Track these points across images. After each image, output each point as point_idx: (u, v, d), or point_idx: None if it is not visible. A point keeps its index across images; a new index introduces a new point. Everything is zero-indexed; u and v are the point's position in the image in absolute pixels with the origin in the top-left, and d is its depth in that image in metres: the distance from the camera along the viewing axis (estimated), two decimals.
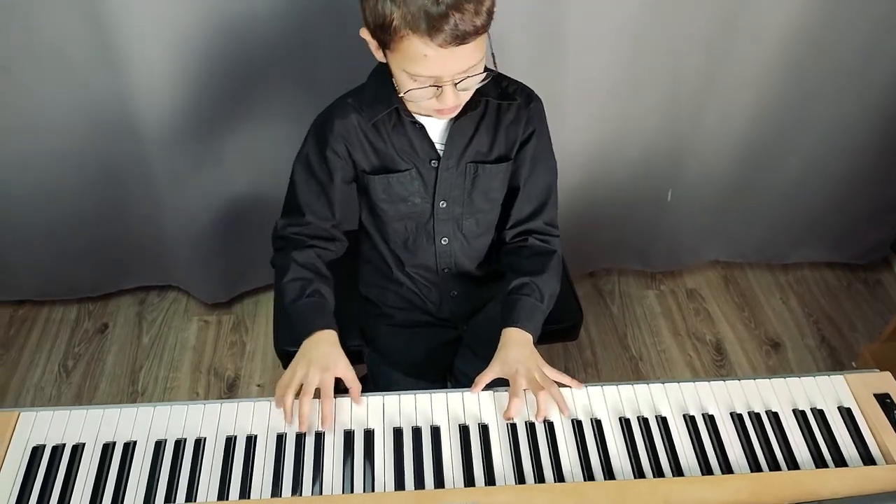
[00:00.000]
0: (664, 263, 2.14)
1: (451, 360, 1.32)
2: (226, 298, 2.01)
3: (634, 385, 1.11)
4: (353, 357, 1.14)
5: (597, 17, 1.46)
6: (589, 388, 1.11)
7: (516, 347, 1.13)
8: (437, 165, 1.15)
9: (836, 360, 2.03)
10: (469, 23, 0.92)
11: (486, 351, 1.18)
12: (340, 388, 1.08)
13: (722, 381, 1.13)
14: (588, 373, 1.96)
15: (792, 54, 1.59)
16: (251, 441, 1.01)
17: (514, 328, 1.15)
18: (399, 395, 1.08)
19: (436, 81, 0.98)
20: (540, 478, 0.99)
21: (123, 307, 2.04)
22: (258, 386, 1.88)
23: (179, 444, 1.00)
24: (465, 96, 1.04)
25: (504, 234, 1.25)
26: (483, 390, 1.09)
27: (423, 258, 1.25)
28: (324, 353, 1.08)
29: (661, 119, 1.70)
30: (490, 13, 0.96)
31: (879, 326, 2.07)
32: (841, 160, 1.87)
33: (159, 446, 1.00)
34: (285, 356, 1.36)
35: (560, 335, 1.45)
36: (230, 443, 1.01)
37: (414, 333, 1.31)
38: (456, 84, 0.99)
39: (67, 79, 1.46)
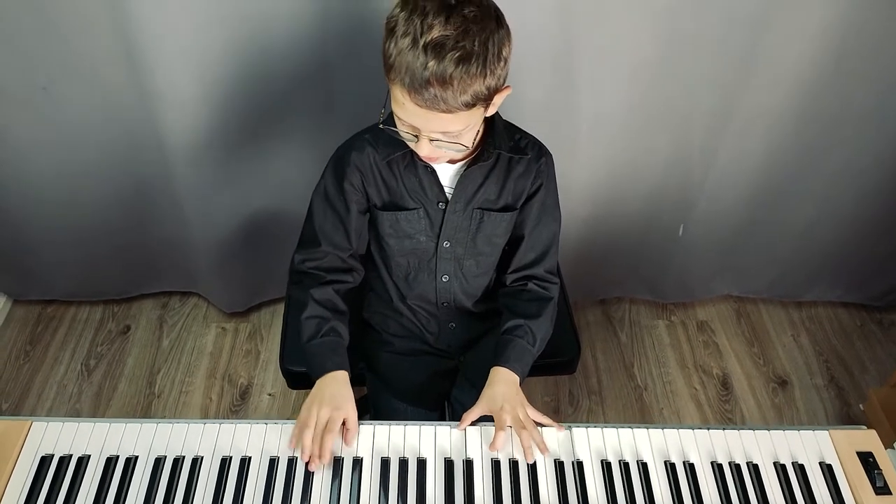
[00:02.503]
0: (675, 295, 2.15)
1: (449, 388, 1.37)
2: (243, 307, 2.08)
3: (619, 428, 1.14)
4: (355, 379, 1.19)
5: (611, 57, 1.49)
6: (574, 428, 1.14)
7: (503, 385, 1.17)
8: (444, 207, 1.19)
9: (843, 402, 2.02)
10: (452, 99, 0.93)
11: (481, 382, 1.23)
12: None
13: (706, 430, 1.15)
14: (592, 399, 1.99)
15: (806, 97, 1.59)
16: (245, 463, 1.07)
17: (504, 367, 1.19)
18: (389, 425, 1.13)
19: (413, 130, 1.02)
20: None
21: (146, 310, 2.12)
22: (269, 395, 1.94)
23: (178, 463, 1.06)
24: (444, 154, 1.07)
25: (504, 278, 1.29)
26: (470, 425, 1.13)
27: (424, 292, 1.30)
28: (336, 394, 1.12)
29: (673, 156, 1.72)
30: (482, 97, 0.95)
31: (891, 369, 2.05)
32: (855, 203, 1.86)
33: (158, 463, 1.06)
34: (290, 376, 1.42)
35: (558, 368, 1.49)
36: (225, 464, 1.06)
37: (413, 361, 1.36)
38: (431, 141, 1.02)
39: (101, 98, 1.54)
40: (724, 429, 1.16)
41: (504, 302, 1.29)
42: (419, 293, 1.30)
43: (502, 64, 0.96)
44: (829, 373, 2.09)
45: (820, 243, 2.00)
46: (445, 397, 1.37)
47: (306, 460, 1.06)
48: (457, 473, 1.07)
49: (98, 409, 1.88)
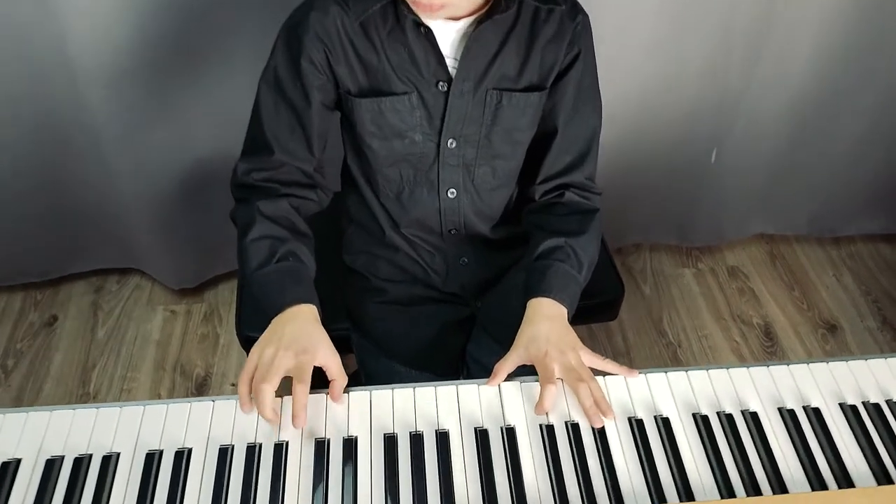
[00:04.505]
0: (704, 237, 1.87)
1: (463, 344, 1.04)
2: (195, 283, 1.74)
3: (709, 370, 0.83)
4: (339, 344, 0.85)
5: None
6: (649, 374, 0.83)
7: (546, 323, 0.85)
8: (446, 89, 0.87)
9: None
10: None
11: (505, 333, 0.92)
12: (321, 382, 0.81)
13: (823, 364, 0.85)
14: (620, 362, 1.67)
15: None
16: (182, 456, 0.73)
17: (546, 298, 0.86)
18: (392, 389, 0.80)
19: None
20: (590, 500, 0.71)
21: (76, 296, 1.76)
22: (233, 385, 1.60)
23: (108, 460, 0.72)
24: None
25: (532, 190, 0.97)
26: (506, 380, 0.81)
27: (424, 215, 0.97)
28: (300, 333, 0.81)
29: (709, 69, 1.45)
30: None
31: None
32: None
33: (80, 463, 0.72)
34: (252, 345, 1.08)
35: (596, 313, 1.17)
36: (152, 459, 0.73)
37: (414, 313, 1.03)
38: None
39: None
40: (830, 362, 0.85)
41: (533, 221, 0.97)
42: (417, 218, 0.97)
43: None
44: (880, 314, 1.84)
45: (865, 168, 1.76)
46: (459, 357, 1.04)
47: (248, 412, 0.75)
48: (494, 448, 0.75)
49: None
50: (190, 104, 1.38)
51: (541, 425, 0.77)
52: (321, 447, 0.74)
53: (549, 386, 0.77)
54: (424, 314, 1.03)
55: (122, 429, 0.75)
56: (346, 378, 0.81)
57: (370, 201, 0.97)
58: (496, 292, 1.04)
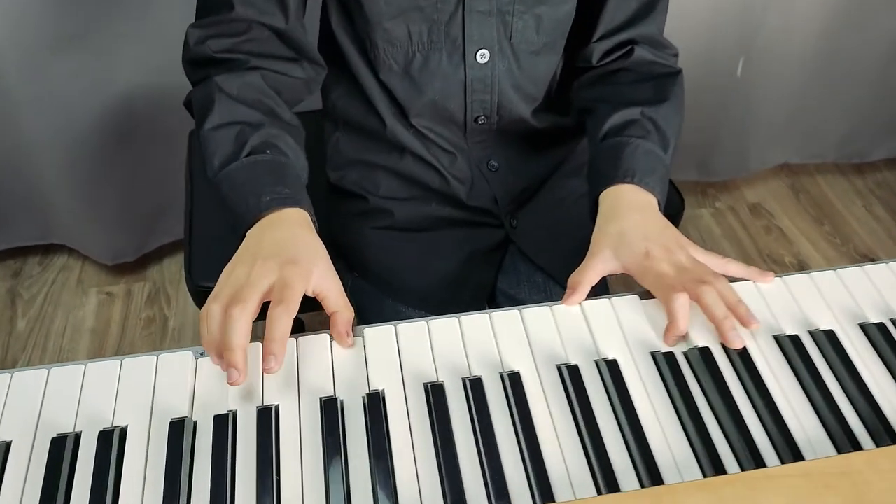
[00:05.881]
0: (726, 171, 1.67)
1: (494, 278, 0.78)
2: (134, 257, 1.45)
3: (866, 265, 0.59)
4: None
5: None
6: (786, 277, 0.59)
7: (635, 214, 0.60)
8: None
9: None
10: None
11: (550, 259, 0.73)
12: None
13: None
14: None
15: None
16: (117, 435, 0.46)
17: (626, 184, 0.62)
18: (426, 321, 0.55)
19: None
20: (752, 453, 0.47)
21: None
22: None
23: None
24: None
25: (587, 52, 0.71)
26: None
27: (443, 95, 0.70)
28: (286, 240, 0.55)
29: None
30: None
31: None
32: None
33: None
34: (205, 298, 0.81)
35: None
36: (59, 444, 0.46)
37: (428, 240, 0.77)
38: None
39: None
40: None
41: (591, 95, 0.72)
42: (433, 100, 0.70)
43: None
44: None
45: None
46: (487, 294, 0.79)
47: (225, 368, 0.49)
48: (592, 390, 0.50)
49: None
50: (107, 21, 1.09)
51: (653, 354, 0.52)
52: (332, 411, 0.48)
53: (676, 296, 0.52)
54: (442, 240, 0.77)
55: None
56: (353, 310, 0.55)
57: (365, 83, 0.70)
58: (537, 204, 0.78)
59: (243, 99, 0.61)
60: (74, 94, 1.16)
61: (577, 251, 0.78)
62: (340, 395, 0.50)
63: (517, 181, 0.77)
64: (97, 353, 1.36)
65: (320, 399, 0.49)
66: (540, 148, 0.77)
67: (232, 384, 0.48)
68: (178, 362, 0.52)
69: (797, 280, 0.58)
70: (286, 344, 0.49)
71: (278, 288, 0.51)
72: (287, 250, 0.53)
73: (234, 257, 0.55)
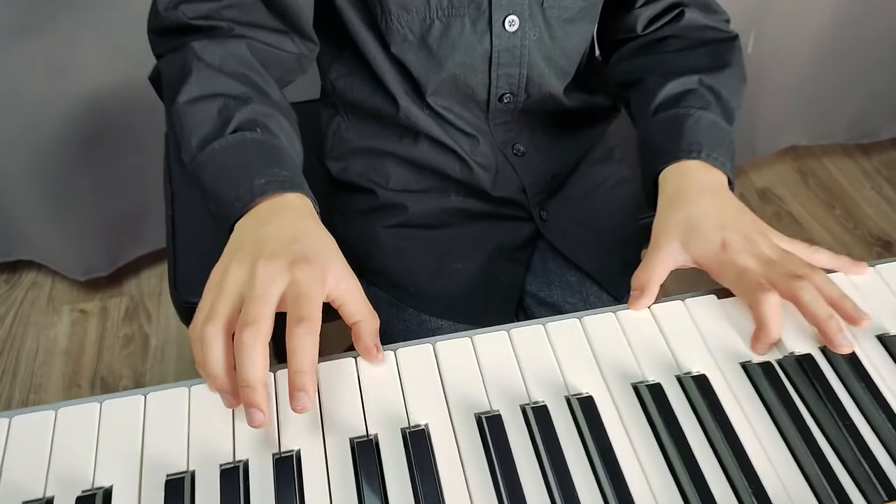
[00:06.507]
0: (737, 155, 1.60)
1: (520, 279, 0.69)
2: (109, 270, 1.35)
3: None
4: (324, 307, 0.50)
5: None
6: (879, 265, 0.51)
7: (707, 198, 0.52)
8: None
9: None
10: None
11: (587, 254, 0.65)
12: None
13: None
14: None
15: None
16: (100, 499, 0.37)
17: (692, 161, 0.53)
18: (469, 336, 0.45)
19: None
20: (876, 474, 0.38)
21: None
22: None
23: None
24: None
25: (630, 20, 0.63)
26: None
27: (465, 69, 0.60)
28: (293, 232, 0.46)
29: None
30: None
31: None
32: None
33: None
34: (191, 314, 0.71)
35: None
36: None
37: (447, 238, 0.68)
38: None
39: None
40: None
41: (636, 67, 0.64)
42: (454, 75, 0.61)
43: None
44: None
45: None
46: (515, 297, 0.70)
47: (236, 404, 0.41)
48: (679, 408, 0.41)
49: None
50: (66, 5, 0.99)
51: (744, 365, 0.44)
52: (367, 452, 0.39)
53: (765, 295, 0.44)
54: (464, 238, 0.68)
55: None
56: (377, 317, 0.45)
57: (373, 58, 0.61)
58: (567, 194, 0.69)
59: (227, 70, 0.52)
60: (31, 91, 1.05)
61: (616, 246, 0.70)
62: (374, 431, 0.40)
63: (546, 167, 0.68)
64: (72, 376, 1.25)
65: (351, 440, 0.40)
66: (569, 130, 0.69)
67: (255, 426, 0.38)
68: (170, 399, 0.42)
69: (891, 269, 0.50)
70: (315, 374, 0.40)
71: (293, 298, 0.41)
72: (294, 246, 0.43)
73: (223, 255, 0.45)
